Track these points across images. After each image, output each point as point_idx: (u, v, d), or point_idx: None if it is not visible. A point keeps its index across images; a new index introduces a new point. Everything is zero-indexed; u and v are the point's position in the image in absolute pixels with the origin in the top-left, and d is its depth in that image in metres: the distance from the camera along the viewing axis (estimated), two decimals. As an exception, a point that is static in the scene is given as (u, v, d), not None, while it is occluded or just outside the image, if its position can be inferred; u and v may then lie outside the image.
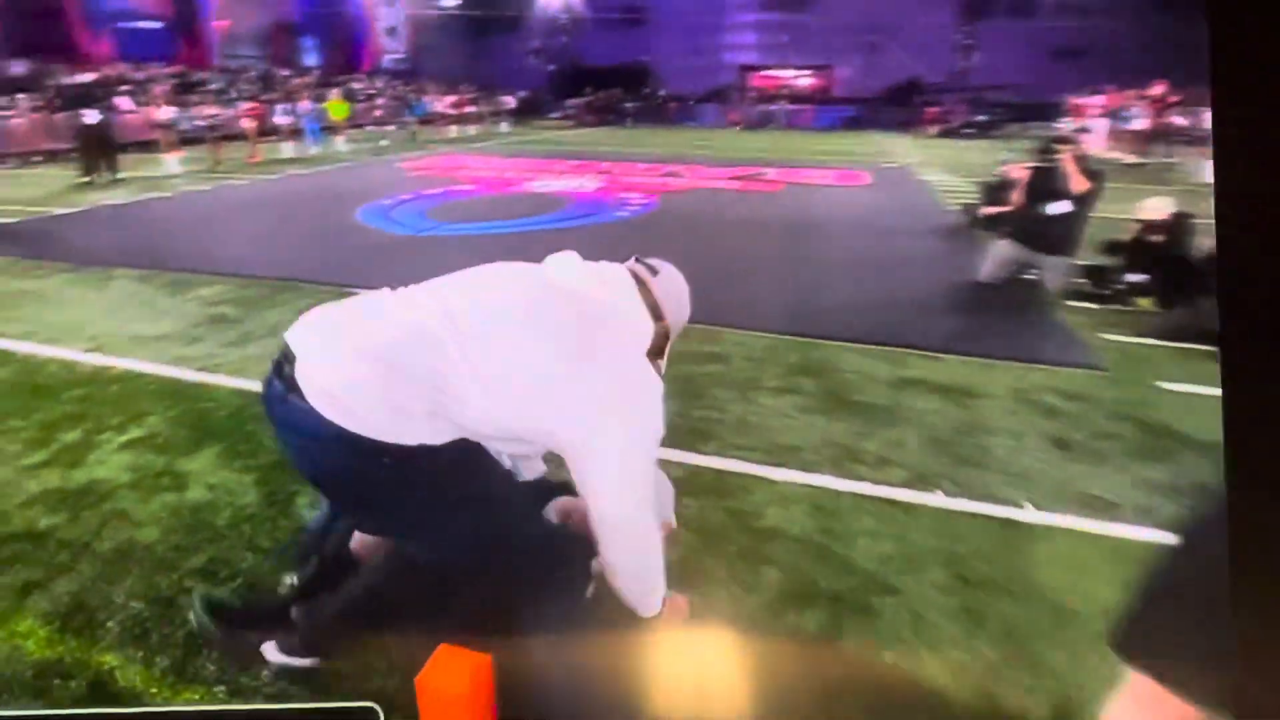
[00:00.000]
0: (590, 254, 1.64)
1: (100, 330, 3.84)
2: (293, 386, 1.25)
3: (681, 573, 2.01)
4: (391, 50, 28.03)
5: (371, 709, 1.29)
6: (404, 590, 1.48)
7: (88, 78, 13.42)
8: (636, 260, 1.57)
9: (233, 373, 3.34)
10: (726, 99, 29.46)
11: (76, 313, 4.18)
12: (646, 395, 1.39)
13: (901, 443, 2.81)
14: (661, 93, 28.77)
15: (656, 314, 1.47)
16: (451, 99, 19.63)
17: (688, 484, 2.46)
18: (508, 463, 1.45)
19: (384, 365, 1.26)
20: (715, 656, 1.51)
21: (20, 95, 12.33)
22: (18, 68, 13.92)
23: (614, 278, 1.49)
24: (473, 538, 1.31)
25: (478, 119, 20.61)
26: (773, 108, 27.00)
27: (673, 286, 1.54)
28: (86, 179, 9.33)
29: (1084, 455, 2.76)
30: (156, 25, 18.14)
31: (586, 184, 9.80)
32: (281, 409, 1.26)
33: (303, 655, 1.51)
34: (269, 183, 10.27)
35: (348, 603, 1.50)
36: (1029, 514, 2.36)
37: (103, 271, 5.05)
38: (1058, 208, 4.77)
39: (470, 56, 28.91)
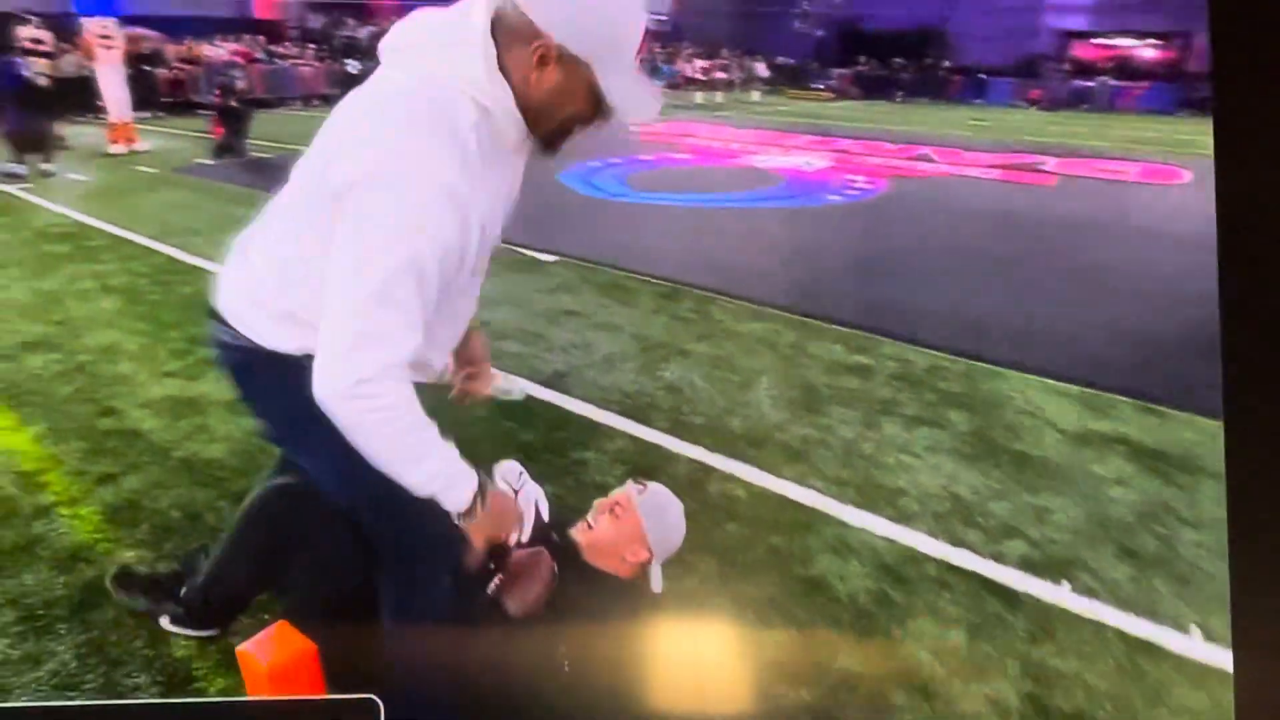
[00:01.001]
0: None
1: (278, 261, 4.50)
2: (213, 314, 1.32)
3: (692, 602, 1.89)
4: (654, 10, 29.22)
5: (371, 700, 1.37)
6: (249, 563, 1.54)
7: (364, 32, 15.75)
8: None
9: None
10: (1032, 72, 26.57)
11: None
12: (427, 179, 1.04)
13: (1048, 514, 2.35)
14: (946, 63, 26.70)
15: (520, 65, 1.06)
16: (702, 64, 19.98)
17: (743, 507, 2.29)
18: None
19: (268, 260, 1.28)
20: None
21: (310, 45, 14.88)
22: (314, 21, 16.74)
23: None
24: (346, 476, 1.24)
25: (727, 86, 20.78)
26: (1090, 83, 23.90)
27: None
28: (344, 124, 10.94)
29: (1327, 583, 2.11)
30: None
31: (813, 162, 9.46)
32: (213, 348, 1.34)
33: (193, 627, 1.62)
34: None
35: (208, 574, 1.59)
36: (1192, 643, 1.86)
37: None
38: None
39: (736, 19, 29.14)
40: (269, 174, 7.39)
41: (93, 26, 8.74)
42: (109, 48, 8.60)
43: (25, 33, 8.32)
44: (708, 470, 2.50)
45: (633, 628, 1.54)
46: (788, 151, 10.32)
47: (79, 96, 9.53)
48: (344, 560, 1.46)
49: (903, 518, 2.28)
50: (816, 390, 3.11)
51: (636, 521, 1.67)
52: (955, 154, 10.83)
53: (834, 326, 3.80)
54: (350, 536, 1.41)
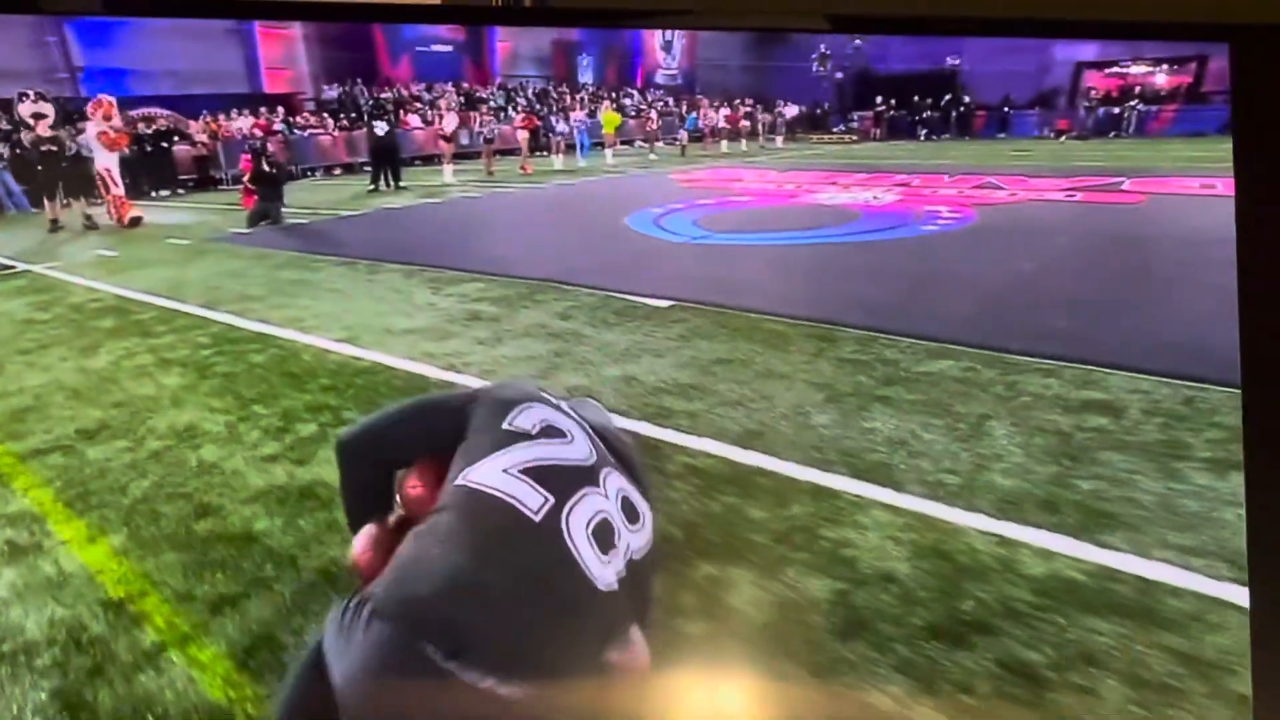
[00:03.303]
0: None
1: (356, 321, 4.00)
2: None
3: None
4: (665, 65, 29.57)
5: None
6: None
7: (384, 96, 15.74)
8: None
9: (482, 373, 3.20)
10: (1051, 104, 26.57)
11: (339, 303, 4.46)
12: None
13: None
14: (967, 100, 26.76)
15: None
16: (725, 113, 19.99)
17: (1098, 595, 1.71)
18: None
19: None
20: None
21: (327, 115, 14.84)
22: (330, 92, 16.75)
23: None
24: None
25: (751, 134, 20.76)
26: (1116, 111, 23.84)
27: None
28: (373, 186, 10.73)
29: None
30: (447, 49, 20.90)
31: (881, 196, 9.08)
32: None
33: None
34: (538, 190, 11.01)
35: None
36: None
37: (371, 266, 5.45)
38: None
39: (747, 69, 29.46)
40: (308, 238, 7.03)
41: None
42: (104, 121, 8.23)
43: (25, 108, 8.08)
44: (1011, 545, 1.92)
45: None
46: (846, 188, 9.96)
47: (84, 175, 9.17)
48: None
49: (1326, 600, 1.70)
50: (1068, 435, 2.55)
51: None
52: (1022, 181, 10.45)
53: (1028, 359, 3.25)
54: None
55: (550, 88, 23.50)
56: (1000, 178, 10.95)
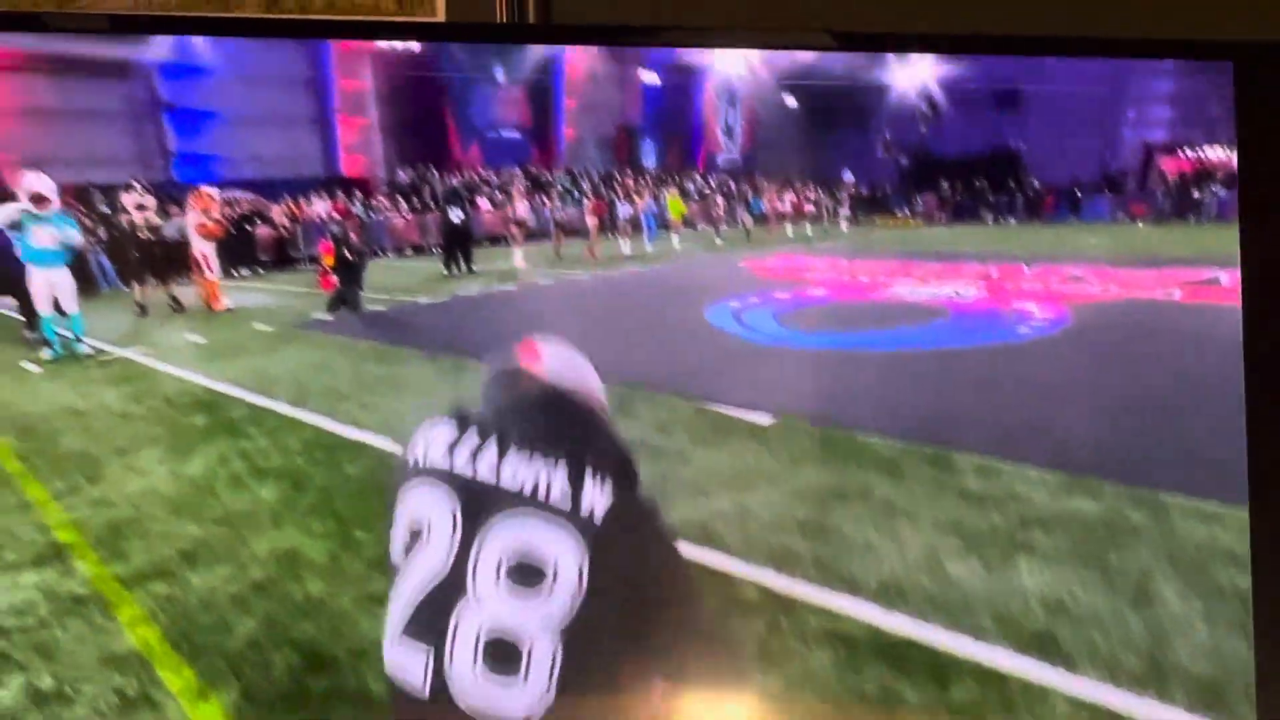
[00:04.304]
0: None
1: (449, 431, 3.96)
2: None
3: None
4: (726, 149, 30.33)
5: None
6: None
7: (455, 181, 16.33)
8: None
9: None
10: (1121, 187, 26.25)
11: (427, 409, 4.44)
12: None
13: None
14: (1035, 183, 26.71)
15: None
16: (790, 196, 20.24)
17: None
18: None
19: None
20: None
21: (400, 197, 15.46)
22: (403, 175, 17.52)
23: None
24: None
25: (816, 217, 20.92)
26: (1196, 194, 23.38)
27: None
28: (446, 271, 11.00)
29: None
30: (516, 135, 21.83)
31: (963, 291, 8.89)
32: None
33: None
34: (610, 277, 11.11)
35: None
36: None
37: (456, 362, 5.47)
38: None
39: (808, 151, 29.90)
40: (388, 327, 7.14)
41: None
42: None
43: (130, 199, 8.49)
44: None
45: None
46: (924, 281, 9.81)
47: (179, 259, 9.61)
48: None
49: None
50: (1253, 602, 2.31)
51: None
52: (1109, 273, 10.15)
53: (1180, 499, 3.01)
54: None
55: (615, 171, 24.29)
56: (1084, 269, 10.68)
